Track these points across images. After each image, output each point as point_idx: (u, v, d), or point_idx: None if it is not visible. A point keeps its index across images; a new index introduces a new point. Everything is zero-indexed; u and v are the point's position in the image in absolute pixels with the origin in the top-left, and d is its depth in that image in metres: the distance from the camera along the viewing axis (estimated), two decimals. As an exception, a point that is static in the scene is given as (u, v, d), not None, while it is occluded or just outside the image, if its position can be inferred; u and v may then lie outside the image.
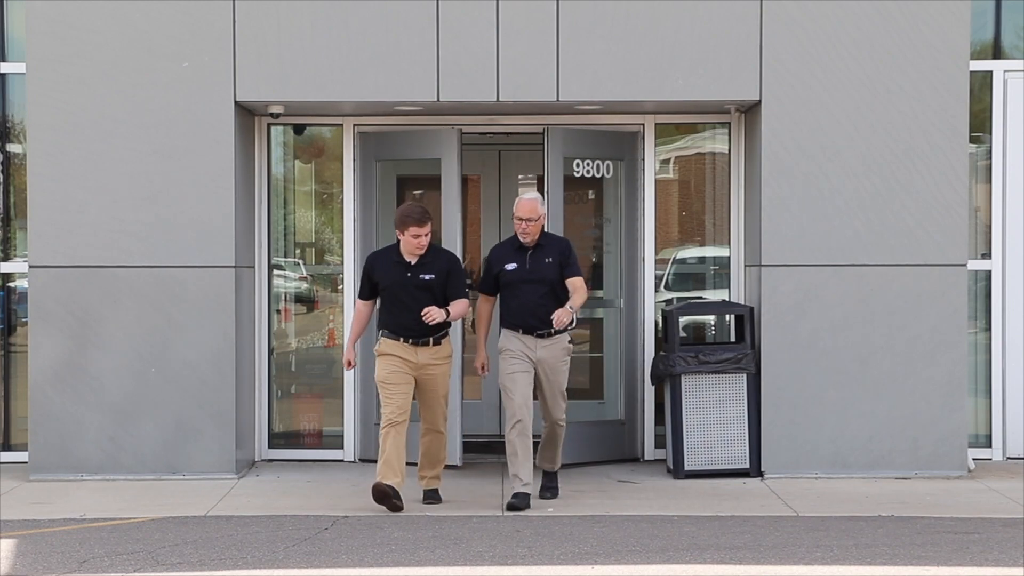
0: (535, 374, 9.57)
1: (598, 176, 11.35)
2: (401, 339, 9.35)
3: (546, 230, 9.76)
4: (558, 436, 9.78)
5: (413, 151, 11.38)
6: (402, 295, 9.35)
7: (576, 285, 9.54)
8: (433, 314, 9.20)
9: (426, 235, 9.31)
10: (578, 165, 11.30)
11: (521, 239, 9.55)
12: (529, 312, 9.52)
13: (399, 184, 11.68)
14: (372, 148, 11.39)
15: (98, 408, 10.57)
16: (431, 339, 9.39)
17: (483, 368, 9.79)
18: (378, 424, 9.52)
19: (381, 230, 11.35)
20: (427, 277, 9.35)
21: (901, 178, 10.61)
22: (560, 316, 9.37)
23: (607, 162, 11.38)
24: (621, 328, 11.45)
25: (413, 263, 9.36)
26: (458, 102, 10.62)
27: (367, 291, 9.56)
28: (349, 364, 9.70)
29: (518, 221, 9.52)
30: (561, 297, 9.50)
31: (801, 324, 10.63)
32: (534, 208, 9.48)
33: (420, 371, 9.39)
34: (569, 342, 9.68)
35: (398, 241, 9.42)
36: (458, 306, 9.42)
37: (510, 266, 9.58)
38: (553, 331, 9.52)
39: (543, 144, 11.01)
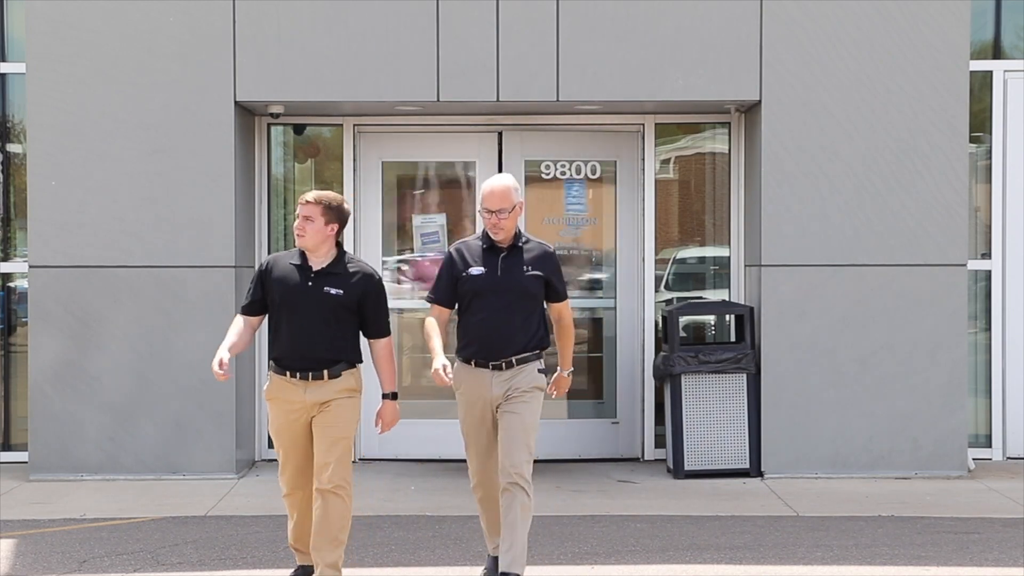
0: (494, 414, 7.40)
1: (578, 176, 11.41)
2: (287, 373, 7.08)
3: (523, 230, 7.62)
4: (516, 510, 7.25)
5: (436, 153, 11.42)
6: (297, 310, 7.08)
7: (564, 318, 7.52)
8: (393, 424, 7.30)
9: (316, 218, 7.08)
10: (548, 167, 11.35)
11: (492, 236, 7.35)
12: (488, 334, 7.29)
13: (399, 184, 11.68)
14: (375, 148, 11.41)
15: (98, 408, 10.57)
16: (325, 372, 7.08)
17: (445, 371, 7.18)
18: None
19: (386, 230, 11.38)
20: (334, 292, 7.07)
21: (901, 178, 10.62)
22: (561, 387, 7.63)
23: (592, 163, 11.41)
24: (616, 327, 11.46)
25: (317, 269, 7.13)
26: (458, 102, 10.62)
27: (257, 303, 7.23)
28: (221, 367, 7.04)
29: (487, 214, 7.31)
30: (533, 318, 7.37)
31: (801, 324, 10.63)
32: (507, 195, 7.28)
33: (312, 411, 7.12)
34: (540, 371, 7.38)
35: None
36: (383, 353, 7.25)
37: (476, 271, 7.33)
38: (515, 360, 7.30)
39: (499, 148, 11.11)
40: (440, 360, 7.18)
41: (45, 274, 10.57)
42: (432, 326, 7.36)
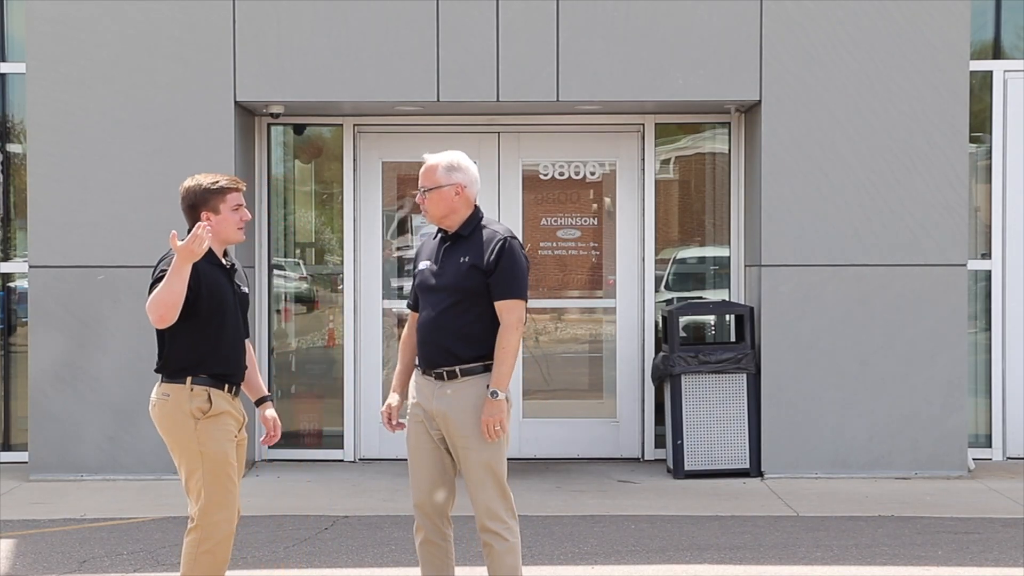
0: (440, 435, 6.29)
1: (576, 177, 11.45)
2: (226, 387, 6.13)
3: (482, 215, 6.42)
4: (495, 562, 6.20)
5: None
6: (228, 316, 6.16)
7: (504, 320, 6.19)
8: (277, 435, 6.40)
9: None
10: (547, 168, 11.38)
11: (426, 218, 6.48)
12: (424, 338, 6.28)
13: (399, 184, 11.69)
14: (375, 148, 11.42)
15: (98, 408, 10.57)
16: (241, 382, 6.31)
17: (390, 419, 6.39)
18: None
19: (385, 231, 11.39)
20: (244, 289, 6.32)
21: (901, 178, 10.61)
22: (488, 419, 6.12)
23: (591, 163, 11.44)
24: (616, 327, 11.47)
25: (227, 267, 6.27)
26: (458, 102, 10.62)
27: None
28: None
29: (417, 192, 6.43)
30: (476, 322, 6.22)
31: (801, 324, 10.63)
32: (431, 172, 6.31)
33: (240, 435, 6.23)
34: (494, 394, 6.15)
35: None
36: (251, 353, 6.42)
37: (422, 265, 6.40)
38: (459, 371, 6.20)
39: (498, 148, 11.15)
40: (392, 399, 6.41)
41: (45, 274, 10.57)
42: (401, 345, 6.54)
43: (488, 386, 6.15)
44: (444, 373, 6.21)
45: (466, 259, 6.23)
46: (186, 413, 6.04)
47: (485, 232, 6.29)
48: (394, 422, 6.37)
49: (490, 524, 6.18)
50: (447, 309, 6.20)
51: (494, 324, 6.21)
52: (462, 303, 6.20)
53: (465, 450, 6.19)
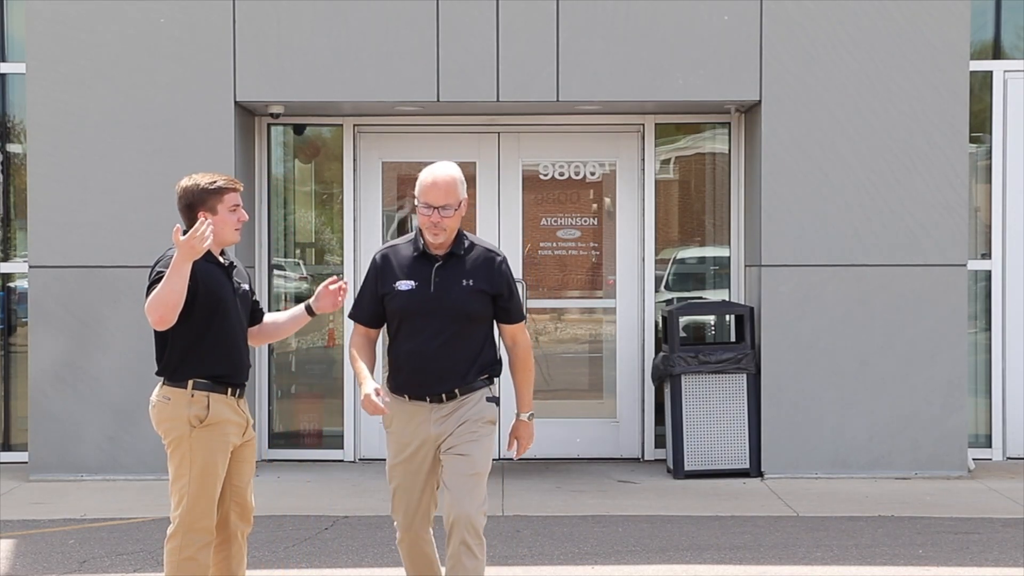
0: (435, 456, 6.14)
1: (576, 177, 11.45)
2: (229, 391, 6.07)
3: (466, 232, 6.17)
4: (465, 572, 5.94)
5: (435, 154, 11.45)
6: (229, 316, 6.09)
7: (519, 344, 6.17)
8: None
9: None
10: (547, 168, 11.38)
11: (431, 239, 6.00)
12: (421, 366, 6.02)
13: (399, 184, 11.70)
14: (375, 148, 11.42)
15: (98, 408, 10.57)
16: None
17: (377, 394, 5.93)
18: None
19: (385, 231, 11.39)
20: (247, 287, 6.24)
21: (901, 178, 10.62)
22: (523, 440, 6.25)
23: (591, 164, 11.44)
24: (616, 327, 11.47)
25: (226, 265, 6.16)
26: (458, 102, 10.62)
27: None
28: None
29: (427, 210, 5.92)
30: (477, 343, 6.05)
31: (801, 324, 10.63)
32: (453, 188, 5.93)
33: (244, 438, 6.16)
34: (490, 400, 6.14)
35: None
36: (279, 315, 6.54)
37: (404, 286, 6.01)
38: (458, 391, 6.04)
39: (498, 148, 11.14)
40: (369, 385, 5.94)
41: (45, 274, 10.57)
42: (355, 353, 6.16)
43: (517, 411, 6.21)
44: (443, 395, 6.05)
45: (470, 282, 5.99)
46: (183, 419, 5.98)
47: (479, 250, 6.07)
48: (383, 398, 5.96)
49: (468, 538, 5.94)
50: (455, 335, 5.99)
51: (491, 341, 6.09)
52: (469, 327, 6.01)
53: (461, 458, 6.01)
